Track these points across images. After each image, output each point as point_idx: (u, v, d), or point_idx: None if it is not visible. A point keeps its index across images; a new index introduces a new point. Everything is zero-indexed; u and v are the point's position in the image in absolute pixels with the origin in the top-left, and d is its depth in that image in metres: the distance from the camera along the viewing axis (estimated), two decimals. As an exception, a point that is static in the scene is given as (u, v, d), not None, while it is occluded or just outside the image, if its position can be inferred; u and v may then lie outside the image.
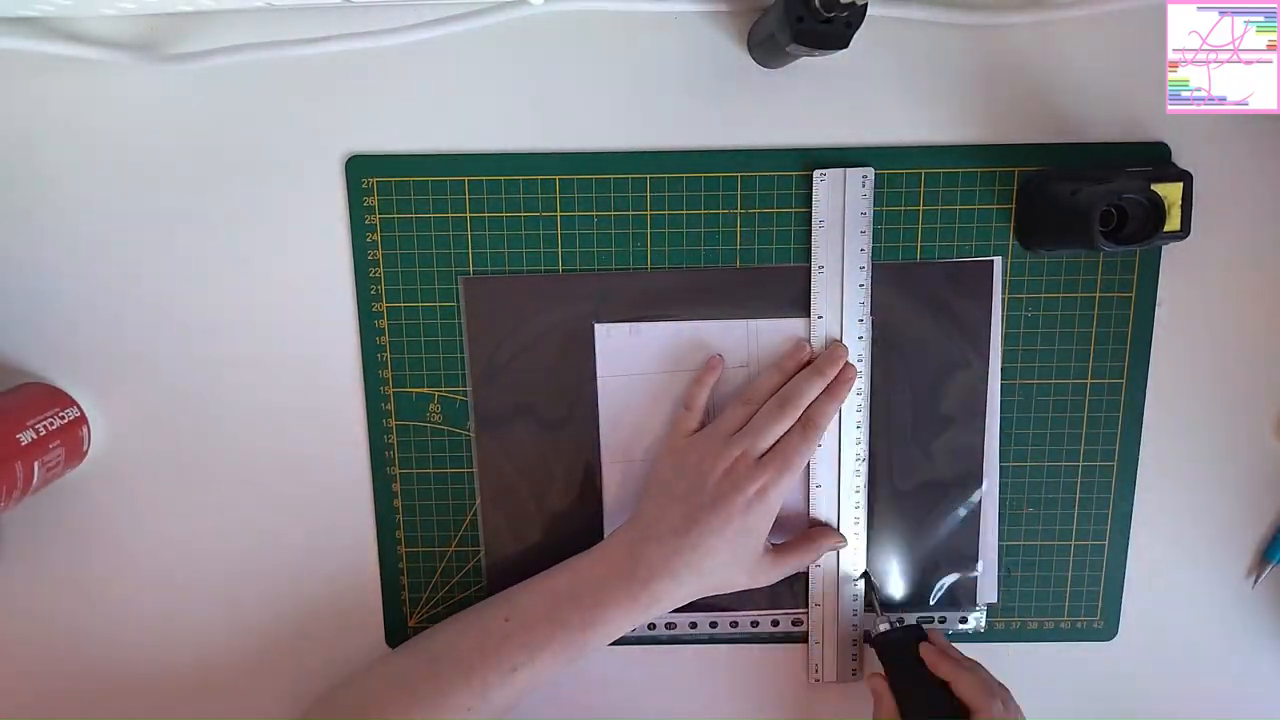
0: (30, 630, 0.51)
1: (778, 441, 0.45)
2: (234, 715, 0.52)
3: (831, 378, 0.47)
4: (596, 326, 0.48)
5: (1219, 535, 0.50)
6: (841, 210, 0.46)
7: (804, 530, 0.49)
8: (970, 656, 0.47)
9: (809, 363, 0.47)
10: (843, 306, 0.47)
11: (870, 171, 0.46)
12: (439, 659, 0.45)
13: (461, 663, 0.44)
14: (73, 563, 0.50)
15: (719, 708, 0.52)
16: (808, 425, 0.45)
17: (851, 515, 0.49)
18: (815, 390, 0.46)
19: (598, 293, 0.47)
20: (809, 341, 0.47)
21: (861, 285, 0.47)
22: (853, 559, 0.50)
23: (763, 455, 0.45)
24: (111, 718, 0.52)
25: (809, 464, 0.48)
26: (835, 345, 0.47)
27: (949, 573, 0.50)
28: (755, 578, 0.46)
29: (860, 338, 0.47)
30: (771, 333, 0.48)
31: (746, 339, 0.48)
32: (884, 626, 0.48)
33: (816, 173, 0.46)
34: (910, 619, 0.50)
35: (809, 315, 0.47)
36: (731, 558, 0.44)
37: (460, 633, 0.46)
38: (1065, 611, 0.51)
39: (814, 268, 0.47)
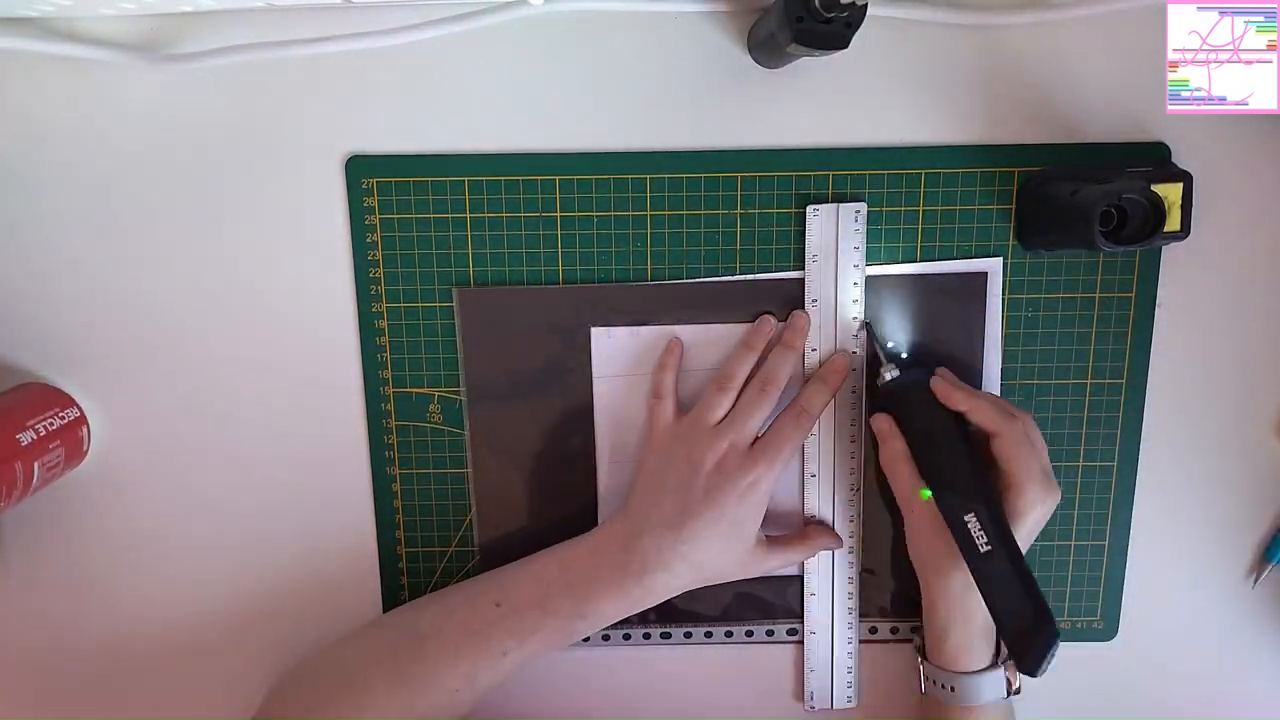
0: (30, 630, 0.51)
1: (769, 430, 0.45)
2: (234, 716, 0.52)
3: (800, 349, 0.46)
4: (594, 330, 0.48)
5: (1219, 535, 0.50)
6: (835, 245, 0.46)
7: (800, 528, 0.49)
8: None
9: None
10: (836, 337, 0.47)
11: (863, 207, 0.46)
12: (426, 639, 0.45)
13: (449, 646, 0.44)
14: (73, 563, 0.50)
15: (719, 708, 0.52)
16: (800, 415, 0.45)
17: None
18: (789, 366, 0.46)
19: (595, 300, 0.47)
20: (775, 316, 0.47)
21: (855, 318, 0.47)
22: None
23: (753, 444, 0.45)
24: (111, 717, 0.52)
25: (803, 451, 0.48)
26: (795, 315, 0.47)
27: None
28: (747, 568, 0.46)
29: (854, 369, 0.47)
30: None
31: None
32: (891, 375, 0.46)
33: (810, 209, 0.46)
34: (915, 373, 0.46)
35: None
36: (724, 549, 0.45)
37: (448, 613, 0.46)
38: (1065, 611, 0.51)
39: (807, 300, 0.47)
